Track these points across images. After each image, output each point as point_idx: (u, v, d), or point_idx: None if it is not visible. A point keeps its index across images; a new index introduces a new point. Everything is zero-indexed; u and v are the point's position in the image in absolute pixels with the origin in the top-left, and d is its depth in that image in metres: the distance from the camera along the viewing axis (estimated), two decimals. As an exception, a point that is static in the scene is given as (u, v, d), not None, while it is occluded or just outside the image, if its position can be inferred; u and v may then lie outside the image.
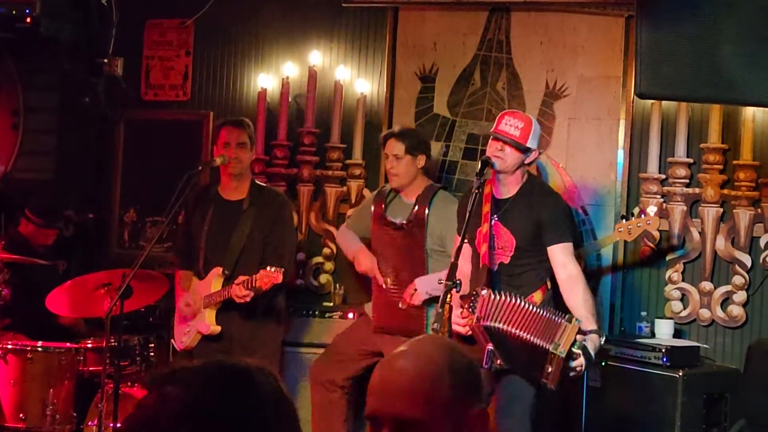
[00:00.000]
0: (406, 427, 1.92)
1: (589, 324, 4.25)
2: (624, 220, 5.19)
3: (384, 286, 5.21)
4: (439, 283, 4.19)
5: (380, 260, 5.24)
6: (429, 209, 5.13)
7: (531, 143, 4.46)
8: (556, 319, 4.17)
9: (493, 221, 4.50)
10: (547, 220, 4.46)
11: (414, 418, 1.91)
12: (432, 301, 5.00)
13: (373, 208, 5.33)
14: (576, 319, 4.16)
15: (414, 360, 2.00)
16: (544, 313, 4.21)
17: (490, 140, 4.52)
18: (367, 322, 5.31)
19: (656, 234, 5.50)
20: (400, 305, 5.07)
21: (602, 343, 4.30)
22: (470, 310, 4.19)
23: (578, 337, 4.15)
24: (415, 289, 5.02)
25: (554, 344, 4.12)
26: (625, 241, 5.53)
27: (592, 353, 4.21)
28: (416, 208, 5.16)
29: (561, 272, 4.43)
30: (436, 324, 4.07)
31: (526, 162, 4.51)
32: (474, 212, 4.42)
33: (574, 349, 4.14)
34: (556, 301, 4.50)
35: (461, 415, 1.93)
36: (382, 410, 1.96)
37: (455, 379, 1.96)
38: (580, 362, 4.16)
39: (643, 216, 5.14)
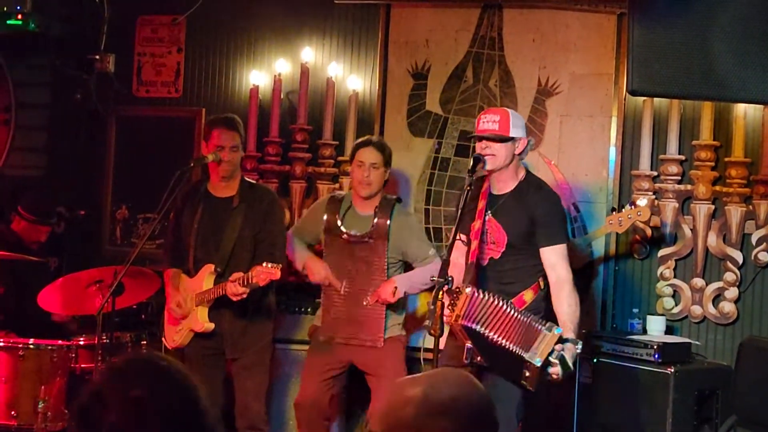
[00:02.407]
0: None
1: (567, 332, 4.23)
2: (614, 212, 5.22)
3: (341, 291, 5.19)
4: (431, 280, 4.19)
5: (332, 268, 5.23)
6: (390, 221, 5.15)
7: (514, 132, 4.45)
8: (537, 326, 4.16)
9: (487, 217, 4.50)
10: (541, 219, 4.44)
11: None
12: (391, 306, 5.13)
13: (326, 217, 5.27)
14: (556, 329, 4.15)
15: (407, 383, 2.07)
16: (525, 319, 4.19)
17: (476, 143, 4.53)
18: (323, 341, 5.23)
19: (648, 230, 5.52)
20: (365, 302, 5.12)
21: (578, 351, 4.26)
22: (450, 307, 4.20)
23: (557, 347, 4.14)
24: (396, 287, 5.04)
25: (531, 353, 4.12)
26: (617, 238, 5.56)
27: (570, 363, 4.19)
28: (377, 220, 5.16)
29: (551, 274, 4.42)
30: (428, 321, 4.06)
31: (516, 153, 4.50)
32: (469, 208, 4.43)
33: (551, 359, 4.13)
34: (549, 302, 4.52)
35: None
36: None
37: (426, 406, 1.98)
38: (556, 371, 4.15)
39: (633, 207, 5.15)
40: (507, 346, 4.16)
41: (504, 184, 4.53)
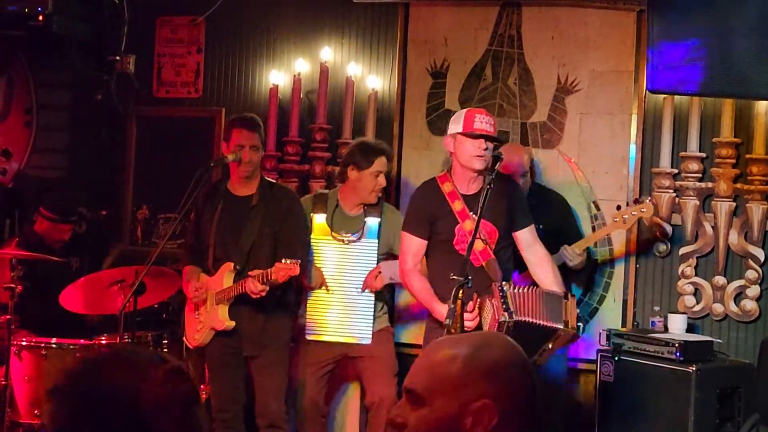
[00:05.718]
0: (412, 398, 1.92)
1: None
2: (619, 210, 5.24)
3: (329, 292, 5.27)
4: (451, 278, 4.18)
5: (322, 269, 5.29)
6: (381, 219, 5.25)
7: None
8: (558, 297, 4.31)
9: (480, 219, 4.49)
10: (516, 203, 4.61)
11: (415, 389, 1.91)
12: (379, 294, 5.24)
13: (312, 217, 5.31)
14: (571, 294, 4.26)
15: (450, 341, 2.03)
16: (548, 293, 4.34)
17: (468, 139, 4.51)
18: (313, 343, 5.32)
19: (669, 228, 5.50)
20: (361, 290, 5.20)
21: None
22: (503, 307, 4.23)
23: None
24: (380, 272, 5.15)
25: (564, 322, 4.26)
26: (638, 237, 5.54)
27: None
28: (367, 219, 5.26)
29: (529, 254, 4.59)
30: (448, 320, 4.07)
31: None
32: (446, 211, 4.50)
33: (579, 324, 4.32)
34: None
35: (466, 401, 1.88)
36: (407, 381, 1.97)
37: (472, 365, 1.92)
38: (578, 333, 4.39)
39: (636, 204, 5.15)
40: (547, 325, 4.27)
41: (475, 184, 4.60)
